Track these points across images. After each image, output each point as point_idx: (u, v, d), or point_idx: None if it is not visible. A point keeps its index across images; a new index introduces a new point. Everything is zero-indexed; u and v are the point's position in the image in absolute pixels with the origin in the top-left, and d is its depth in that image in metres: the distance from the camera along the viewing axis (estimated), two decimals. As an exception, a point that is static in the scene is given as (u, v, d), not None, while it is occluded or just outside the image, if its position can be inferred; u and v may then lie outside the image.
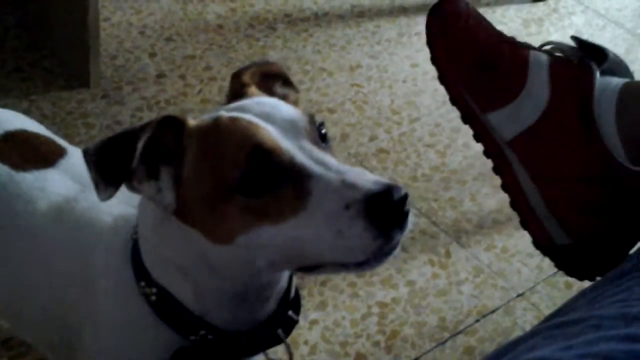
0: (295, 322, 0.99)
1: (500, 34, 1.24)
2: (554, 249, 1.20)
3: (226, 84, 2.22)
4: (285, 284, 0.97)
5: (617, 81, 1.16)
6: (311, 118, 0.86)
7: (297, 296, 1.01)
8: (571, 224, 1.16)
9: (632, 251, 1.08)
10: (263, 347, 0.99)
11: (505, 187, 1.23)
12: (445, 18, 1.22)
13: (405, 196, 0.76)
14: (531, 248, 1.67)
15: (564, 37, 2.66)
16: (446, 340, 1.66)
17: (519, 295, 1.78)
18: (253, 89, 0.93)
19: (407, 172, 2.06)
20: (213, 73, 2.28)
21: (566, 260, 1.20)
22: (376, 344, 1.63)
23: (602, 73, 1.16)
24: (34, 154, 1.13)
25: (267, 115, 0.84)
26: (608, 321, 0.71)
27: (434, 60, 1.23)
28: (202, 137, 0.83)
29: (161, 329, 0.94)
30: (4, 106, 1.25)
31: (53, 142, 1.17)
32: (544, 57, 1.19)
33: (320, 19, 2.58)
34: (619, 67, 1.19)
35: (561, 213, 1.16)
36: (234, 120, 0.83)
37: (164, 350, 0.95)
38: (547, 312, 1.61)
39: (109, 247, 0.99)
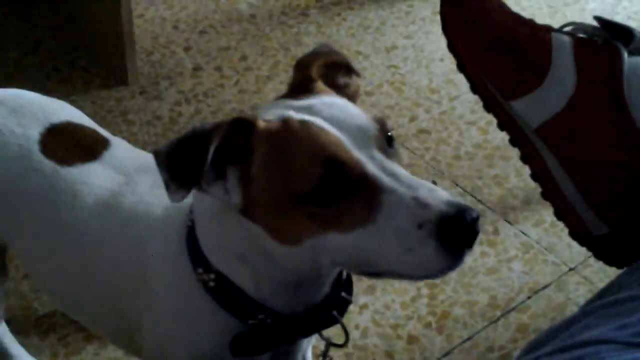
0: (349, 302, 1.00)
1: (518, 16, 1.20)
2: (591, 239, 1.16)
3: (262, 73, 2.24)
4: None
5: None
6: (381, 124, 0.84)
7: (349, 278, 1.01)
8: (607, 211, 1.12)
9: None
10: (319, 328, 0.99)
11: (535, 176, 1.19)
12: (459, 3, 1.18)
13: (477, 218, 0.76)
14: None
15: (602, 5, 2.61)
16: (498, 319, 1.64)
17: (570, 270, 1.75)
18: (320, 85, 0.90)
19: (450, 151, 2.04)
20: (249, 63, 2.28)
21: (605, 250, 1.16)
22: (427, 325, 1.62)
23: (630, 54, 1.11)
24: (79, 147, 1.13)
25: (339, 121, 0.82)
26: (663, 298, 0.69)
27: (451, 47, 1.20)
28: (271, 139, 0.82)
29: (219, 314, 0.95)
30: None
31: (97, 134, 1.17)
32: (567, 39, 1.14)
33: (353, 1, 2.56)
34: None
35: (595, 200, 1.12)
36: (305, 125, 0.82)
37: (223, 334, 0.96)
38: (600, 285, 1.58)
39: (162, 236, 1.00)
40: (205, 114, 2.09)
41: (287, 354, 1.04)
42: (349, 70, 0.96)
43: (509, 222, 1.85)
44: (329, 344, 1.02)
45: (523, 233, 1.83)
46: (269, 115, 0.85)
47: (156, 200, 1.02)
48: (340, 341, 1.03)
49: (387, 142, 0.84)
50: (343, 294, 0.99)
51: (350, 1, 2.56)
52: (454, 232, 0.75)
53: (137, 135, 2.00)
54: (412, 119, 2.13)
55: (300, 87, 0.90)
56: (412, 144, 2.04)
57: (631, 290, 0.75)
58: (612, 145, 1.10)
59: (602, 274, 1.71)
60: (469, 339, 1.60)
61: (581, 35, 1.16)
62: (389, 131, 0.85)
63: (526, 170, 1.95)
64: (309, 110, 0.84)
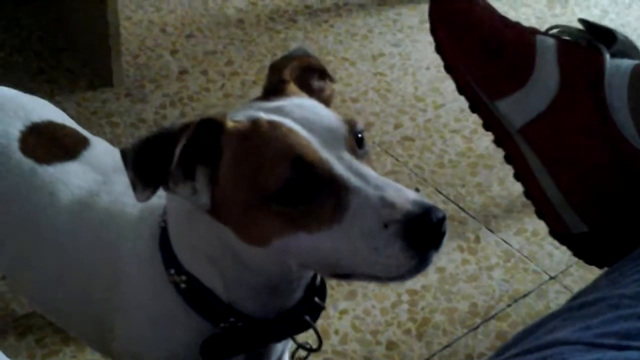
0: (322, 308, 1.00)
1: (504, 19, 1.21)
2: (571, 238, 1.17)
3: (248, 77, 2.23)
4: (312, 273, 0.97)
5: (627, 63, 1.13)
6: (351, 125, 0.84)
7: (323, 283, 1.01)
8: (587, 211, 1.13)
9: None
10: (291, 333, 0.99)
11: (517, 176, 1.21)
12: (447, 3, 1.20)
13: (444, 218, 0.76)
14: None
15: (589, 16, 2.62)
16: (478, 326, 1.64)
17: (551, 279, 1.75)
18: (292, 87, 0.91)
19: (434, 158, 2.04)
20: (235, 68, 2.28)
21: (584, 248, 1.17)
22: (407, 331, 1.62)
23: (612, 55, 1.13)
24: (58, 146, 1.13)
25: (308, 122, 0.82)
26: (627, 300, 0.69)
27: (439, 49, 1.21)
28: (240, 140, 0.82)
29: (191, 316, 0.95)
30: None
31: (77, 133, 1.16)
32: (551, 41, 1.16)
33: (341, 9, 2.57)
34: (628, 49, 1.16)
35: (577, 200, 1.13)
36: (273, 125, 0.82)
37: (194, 337, 0.96)
38: (579, 294, 1.59)
39: (136, 237, 1.00)
40: (190, 117, 2.08)
41: (261, 356, 1.04)
42: (323, 74, 0.96)
43: (491, 230, 1.85)
44: (299, 346, 1.02)
45: (504, 241, 1.83)
46: (239, 117, 0.85)
47: (132, 200, 1.01)
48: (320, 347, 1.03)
49: (357, 143, 0.84)
50: (316, 299, 0.99)
51: (338, 8, 2.57)
52: (420, 232, 0.75)
53: (121, 137, 2.00)
54: (397, 126, 2.13)
55: (273, 89, 0.91)
56: (396, 151, 2.05)
57: (599, 293, 0.75)
58: (593, 145, 1.11)
59: (582, 283, 1.72)
60: (448, 345, 1.60)
61: (566, 37, 1.18)
62: (360, 132, 0.85)
63: (509, 179, 1.95)
64: (279, 111, 0.84)
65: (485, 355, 1.58)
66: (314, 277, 0.99)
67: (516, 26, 1.20)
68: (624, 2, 2.72)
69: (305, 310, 0.98)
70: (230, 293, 0.93)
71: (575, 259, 1.77)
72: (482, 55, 1.17)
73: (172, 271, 0.94)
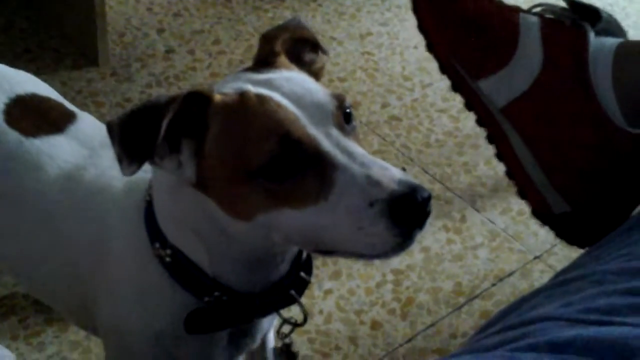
0: (307, 282, 1.00)
1: None
2: (553, 218, 1.17)
3: (235, 57, 2.22)
4: (297, 247, 0.97)
5: (611, 41, 1.12)
6: (339, 101, 0.84)
7: (309, 257, 1.01)
8: (569, 190, 1.14)
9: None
10: (276, 307, 0.99)
11: (499, 155, 1.20)
12: None
13: (429, 197, 0.77)
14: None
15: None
16: (462, 305, 1.65)
17: (535, 258, 1.76)
18: (283, 59, 0.90)
19: (420, 138, 2.04)
20: (222, 47, 2.27)
21: (566, 228, 1.17)
22: (392, 311, 1.63)
23: (597, 34, 1.13)
24: (44, 119, 1.12)
25: (297, 97, 0.82)
26: (610, 276, 0.70)
27: (421, 27, 1.20)
28: (227, 113, 0.81)
29: (176, 290, 0.95)
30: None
31: (63, 107, 1.15)
32: (535, 20, 1.15)
33: (329, -13, 2.56)
34: (612, 27, 1.16)
35: (559, 179, 1.13)
36: (262, 100, 0.81)
37: (179, 311, 0.96)
38: (563, 273, 1.60)
39: (121, 211, 0.99)
40: (176, 96, 2.07)
41: (246, 332, 1.04)
42: (315, 46, 0.95)
43: (477, 210, 1.86)
44: (285, 321, 1.02)
45: (490, 221, 1.84)
46: (227, 89, 0.84)
47: (118, 174, 1.00)
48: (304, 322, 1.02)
49: (345, 118, 0.84)
50: (302, 273, 0.99)
51: (326, -13, 2.56)
52: (405, 211, 0.75)
53: (106, 116, 1.99)
54: (384, 105, 2.13)
55: (263, 60, 0.90)
56: (383, 130, 2.05)
57: (582, 269, 0.76)
58: (576, 125, 1.11)
59: (567, 262, 1.71)
60: (432, 325, 1.61)
61: (549, 16, 1.17)
62: (348, 107, 0.84)
63: (495, 158, 1.97)
64: (268, 84, 0.83)
65: (469, 334, 1.59)
66: (300, 251, 0.99)
67: (499, 4, 1.18)
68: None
69: (291, 284, 0.98)
70: (215, 266, 0.92)
71: (559, 239, 1.79)
72: (464, 33, 1.16)
73: (157, 245, 0.93)
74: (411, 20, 2.38)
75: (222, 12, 2.41)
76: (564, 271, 0.83)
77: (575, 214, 1.14)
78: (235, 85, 0.84)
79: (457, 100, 2.14)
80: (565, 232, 1.18)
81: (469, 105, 1.20)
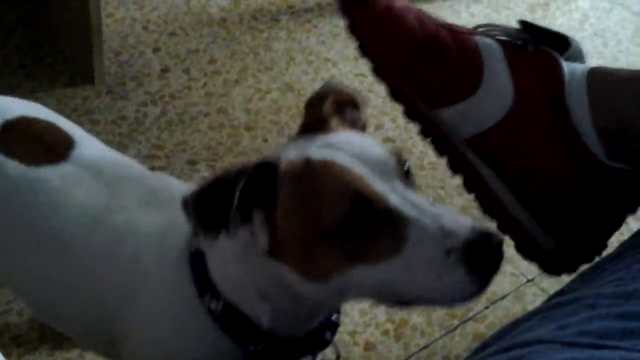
0: (338, 325, 1.02)
1: (429, 17, 1.12)
2: (540, 254, 1.13)
3: (230, 76, 2.23)
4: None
5: (581, 68, 1.07)
6: (399, 157, 0.86)
7: None
8: (552, 225, 1.09)
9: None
10: (315, 350, 1.01)
11: (469, 186, 1.14)
12: (364, 3, 1.10)
13: (501, 243, 0.79)
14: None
15: (569, 21, 2.64)
16: (456, 328, 1.65)
17: (528, 281, 1.76)
18: (335, 122, 0.91)
19: (414, 160, 2.05)
20: (217, 66, 2.28)
21: (552, 263, 1.13)
22: (385, 332, 1.62)
23: (567, 60, 1.07)
24: (40, 144, 1.10)
25: (360, 157, 0.83)
26: (604, 300, 0.70)
27: (363, 49, 1.11)
28: (295, 180, 0.83)
29: (220, 338, 0.95)
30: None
31: (57, 129, 1.13)
32: (494, 45, 1.09)
33: (324, 9, 2.57)
34: (576, 53, 1.10)
35: (540, 213, 1.09)
36: (327, 164, 0.82)
37: (217, 354, 0.97)
38: (556, 296, 1.60)
39: (159, 257, 0.99)
40: (171, 115, 2.08)
41: None
42: (356, 105, 0.96)
43: (470, 232, 1.86)
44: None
45: (483, 243, 1.83)
46: (290, 156, 0.85)
47: (149, 219, 1.01)
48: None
49: (405, 173, 0.85)
50: (334, 317, 1.01)
51: (321, 8, 2.57)
52: (481, 256, 0.77)
53: (102, 134, 1.99)
54: (378, 127, 2.14)
55: (313, 125, 0.91)
56: (377, 152, 2.05)
57: (576, 293, 0.76)
58: (554, 158, 1.06)
59: (559, 286, 1.71)
60: (426, 347, 1.61)
61: (504, 38, 1.11)
62: (405, 162, 0.86)
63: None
64: (329, 147, 0.85)
65: (462, 356, 1.59)
66: None
67: (448, 26, 1.11)
68: (605, 8, 2.74)
69: (326, 328, 1.00)
70: (274, 322, 0.94)
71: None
72: (417, 60, 1.09)
73: (208, 296, 0.94)
74: (406, 43, 2.41)
75: (217, 31, 2.42)
76: (558, 294, 0.84)
77: (561, 250, 1.11)
78: (297, 153, 0.85)
79: (451, 122, 2.16)
80: (550, 266, 1.14)
81: (425, 132, 1.14)
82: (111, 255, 1.02)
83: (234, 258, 0.91)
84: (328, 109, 0.92)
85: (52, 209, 1.05)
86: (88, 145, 1.13)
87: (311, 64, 2.33)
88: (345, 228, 0.80)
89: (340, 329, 1.59)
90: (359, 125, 0.95)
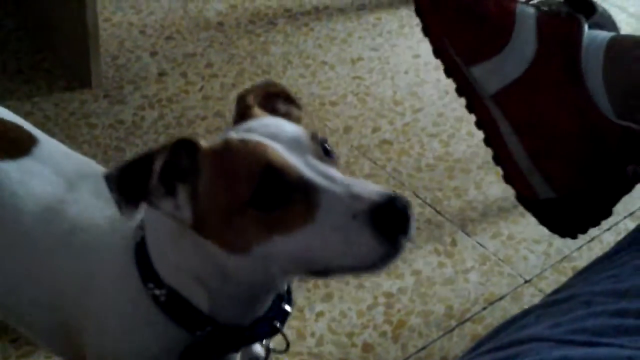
0: (289, 313, 1.05)
1: None
2: (537, 204, 1.20)
3: (227, 80, 2.24)
4: (286, 282, 1.04)
5: (604, 34, 1.16)
6: (313, 135, 0.90)
7: (289, 289, 1.06)
8: (554, 177, 1.16)
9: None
10: (262, 338, 1.05)
11: (487, 140, 1.23)
12: None
13: (408, 204, 0.82)
14: (538, 234, 1.67)
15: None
16: (453, 329, 1.65)
17: (526, 282, 1.77)
18: (257, 110, 0.98)
19: (411, 162, 2.05)
20: (214, 70, 2.28)
21: (550, 215, 1.20)
22: (383, 334, 1.63)
23: (590, 27, 1.16)
24: (3, 141, 1.13)
25: (273, 135, 0.89)
26: (599, 297, 0.71)
27: (419, 10, 1.23)
28: (215, 157, 0.88)
29: (168, 326, 0.98)
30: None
31: (21, 129, 1.17)
32: (531, 11, 1.19)
33: (321, 12, 2.57)
34: (606, 22, 1.19)
35: (544, 166, 1.16)
36: (243, 141, 0.88)
37: (169, 344, 1.00)
38: (553, 297, 1.60)
39: (108, 250, 1.03)
40: (168, 119, 2.09)
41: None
42: (288, 98, 1.03)
43: (467, 234, 1.87)
44: (268, 350, 1.08)
45: (480, 245, 1.84)
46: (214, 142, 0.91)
47: (100, 212, 1.05)
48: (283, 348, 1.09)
49: (325, 152, 0.90)
50: (286, 306, 1.04)
51: (318, 12, 2.58)
52: (387, 219, 0.80)
53: (99, 138, 2.00)
54: (375, 129, 2.14)
55: (241, 116, 0.98)
56: (374, 154, 2.06)
57: (571, 290, 0.77)
58: (565, 114, 1.14)
59: (557, 286, 1.73)
60: (423, 348, 1.61)
61: (545, 8, 1.21)
62: (324, 142, 0.90)
63: (486, 183, 1.98)
64: (248, 130, 0.91)
65: (460, 357, 1.59)
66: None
67: None
68: (601, 10, 2.75)
69: (275, 316, 1.03)
70: (213, 306, 0.97)
71: (550, 263, 1.80)
72: (460, 20, 1.20)
73: (151, 285, 0.97)
74: (402, 46, 2.42)
75: (214, 35, 2.43)
76: (555, 292, 0.85)
77: (560, 201, 1.17)
78: (220, 137, 0.92)
79: (448, 125, 2.17)
80: (548, 219, 1.21)
81: (459, 90, 1.24)
82: (66, 249, 1.05)
83: (169, 239, 0.94)
84: (250, 99, 0.99)
85: (9, 200, 1.08)
86: (51, 144, 1.16)
87: (308, 67, 2.33)
88: (259, 198, 0.84)
89: (338, 330, 1.61)
90: (293, 117, 1.01)
